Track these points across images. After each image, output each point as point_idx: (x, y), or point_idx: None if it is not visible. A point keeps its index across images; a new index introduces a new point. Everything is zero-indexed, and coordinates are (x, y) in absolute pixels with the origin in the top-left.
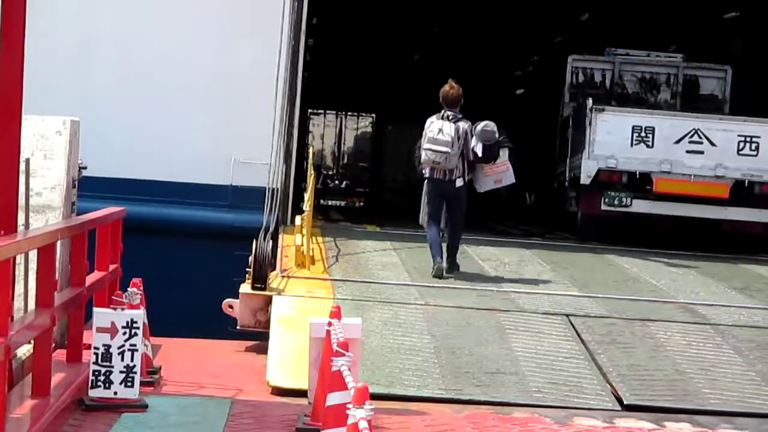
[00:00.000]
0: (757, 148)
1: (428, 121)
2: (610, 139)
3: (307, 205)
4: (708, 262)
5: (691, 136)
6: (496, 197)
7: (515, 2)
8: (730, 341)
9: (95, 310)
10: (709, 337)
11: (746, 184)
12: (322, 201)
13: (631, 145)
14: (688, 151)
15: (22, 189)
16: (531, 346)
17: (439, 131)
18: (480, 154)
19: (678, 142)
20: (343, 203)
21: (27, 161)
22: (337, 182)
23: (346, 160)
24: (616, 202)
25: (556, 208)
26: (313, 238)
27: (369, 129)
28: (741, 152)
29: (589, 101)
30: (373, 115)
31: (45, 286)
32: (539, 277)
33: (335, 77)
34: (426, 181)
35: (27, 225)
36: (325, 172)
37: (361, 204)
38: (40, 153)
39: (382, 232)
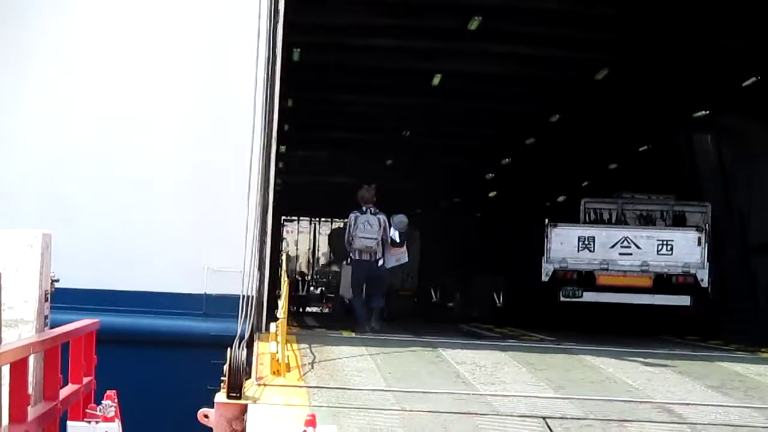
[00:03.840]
0: (671, 249)
1: (352, 216)
2: (562, 246)
3: (281, 312)
4: (683, 360)
5: (623, 242)
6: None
7: (486, 107)
8: None
9: (69, 423)
10: None
11: (665, 276)
12: (299, 308)
13: (578, 251)
14: (620, 253)
15: None
16: None
17: (366, 222)
18: (397, 240)
19: (613, 246)
20: (318, 309)
21: None
22: (312, 288)
23: (320, 266)
24: (570, 294)
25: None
26: (289, 345)
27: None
28: (660, 253)
29: (546, 220)
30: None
31: (18, 401)
32: (515, 380)
33: (308, 184)
34: (353, 263)
35: None
36: (299, 279)
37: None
38: (12, 267)
39: (357, 337)
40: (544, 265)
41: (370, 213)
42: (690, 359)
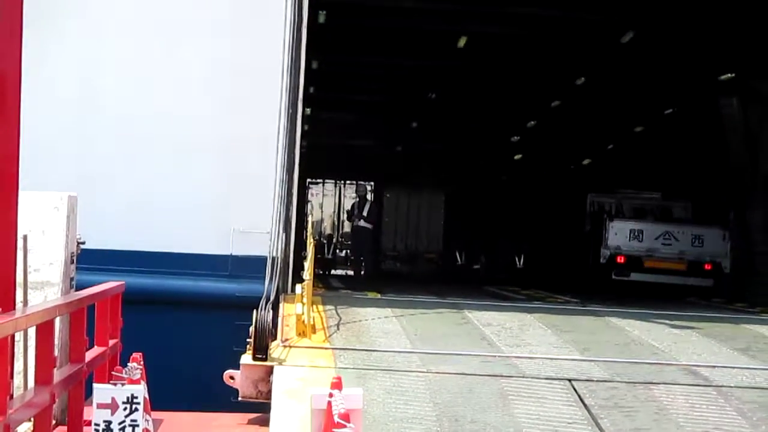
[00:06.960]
0: (702, 242)
1: None
2: (617, 236)
3: (307, 274)
4: (709, 322)
5: (665, 235)
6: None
7: (512, 70)
8: (733, 403)
9: (95, 386)
10: (711, 400)
11: (696, 263)
12: (325, 271)
13: (629, 240)
14: (662, 244)
15: (20, 265)
16: (534, 413)
17: None
18: None
19: (657, 238)
20: (344, 272)
21: (24, 237)
22: (337, 251)
23: (345, 229)
24: (621, 274)
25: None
26: (314, 306)
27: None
28: (693, 245)
29: (605, 216)
30: (372, 183)
31: (44, 363)
32: (541, 342)
33: (333, 146)
34: None
35: (25, 302)
36: (324, 242)
37: (361, 272)
38: (38, 229)
39: (383, 299)
40: (602, 250)
41: None
42: (716, 321)
